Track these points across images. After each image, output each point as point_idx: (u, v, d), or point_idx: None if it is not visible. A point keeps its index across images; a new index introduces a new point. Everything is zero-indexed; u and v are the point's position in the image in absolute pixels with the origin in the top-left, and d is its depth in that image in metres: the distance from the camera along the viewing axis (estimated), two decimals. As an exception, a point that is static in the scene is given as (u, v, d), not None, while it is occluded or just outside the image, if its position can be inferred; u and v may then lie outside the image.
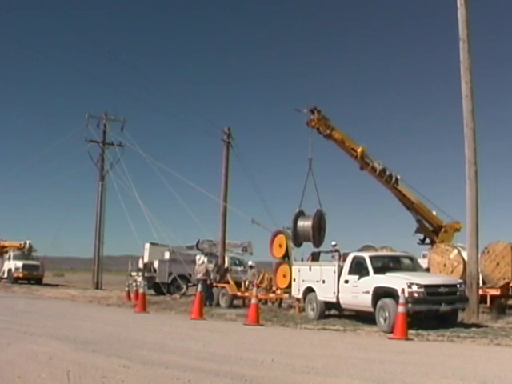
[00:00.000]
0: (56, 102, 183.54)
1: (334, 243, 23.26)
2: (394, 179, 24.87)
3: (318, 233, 23.21)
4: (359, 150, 24.05)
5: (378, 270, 17.26)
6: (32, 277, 45.42)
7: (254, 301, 17.83)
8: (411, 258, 19.41)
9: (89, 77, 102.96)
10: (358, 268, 17.84)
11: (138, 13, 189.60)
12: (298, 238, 23.65)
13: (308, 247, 23.98)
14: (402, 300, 14.57)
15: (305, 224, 23.32)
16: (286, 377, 8.60)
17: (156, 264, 35.03)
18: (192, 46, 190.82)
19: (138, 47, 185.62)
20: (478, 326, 16.73)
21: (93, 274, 42.24)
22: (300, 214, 23.64)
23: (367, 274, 17.26)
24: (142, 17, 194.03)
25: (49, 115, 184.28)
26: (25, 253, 47.67)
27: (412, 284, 15.82)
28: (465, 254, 20.85)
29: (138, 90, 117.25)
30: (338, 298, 18.34)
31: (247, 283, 25.41)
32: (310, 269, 20.37)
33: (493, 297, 21.05)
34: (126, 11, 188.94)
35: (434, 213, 26.28)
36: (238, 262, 35.76)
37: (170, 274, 34.26)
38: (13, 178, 73.00)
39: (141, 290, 23.02)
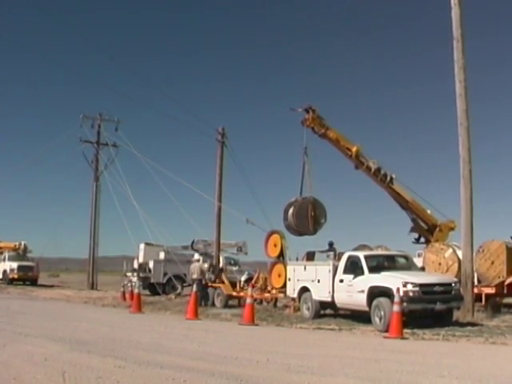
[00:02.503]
0: (51, 103, 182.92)
1: (330, 242, 23.26)
2: (388, 178, 24.94)
3: (305, 220, 23.11)
4: (354, 149, 24.10)
5: (373, 270, 17.29)
6: (27, 277, 45.36)
7: (249, 301, 17.84)
8: (406, 257, 19.45)
9: (84, 77, 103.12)
10: (353, 267, 17.86)
11: (133, 12, 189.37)
12: (288, 228, 23.73)
13: (302, 247, 24.00)
14: (397, 299, 14.60)
15: (290, 212, 23.40)
16: (282, 376, 8.60)
17: (151, 264, 35.06)
18: (187, 45, 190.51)
19: (133, 47, 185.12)
20: (473, 324, 16.77)
21: (88, 274, 42.21)
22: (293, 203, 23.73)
23: (362, 273, 17.28)
24: (137, 16, 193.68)
25: (43, 116, 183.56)
26: (20, 254, 47.62)
27: (407, 283, 15.84)
28: (460, 253, 20.92)
29: (133, 90, 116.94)
30: (333, 297, 18.34)
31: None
32: (304, 268, 20.39)
33: (488, 295, 21.12)
34: (120, 10, 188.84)
35: (429, 212, 26.37)
36: (232, 262, 35.82)
37: (165, 275, 34.28)
38: (8, 179, 72.61)
39: (136, 291, 22.98)
